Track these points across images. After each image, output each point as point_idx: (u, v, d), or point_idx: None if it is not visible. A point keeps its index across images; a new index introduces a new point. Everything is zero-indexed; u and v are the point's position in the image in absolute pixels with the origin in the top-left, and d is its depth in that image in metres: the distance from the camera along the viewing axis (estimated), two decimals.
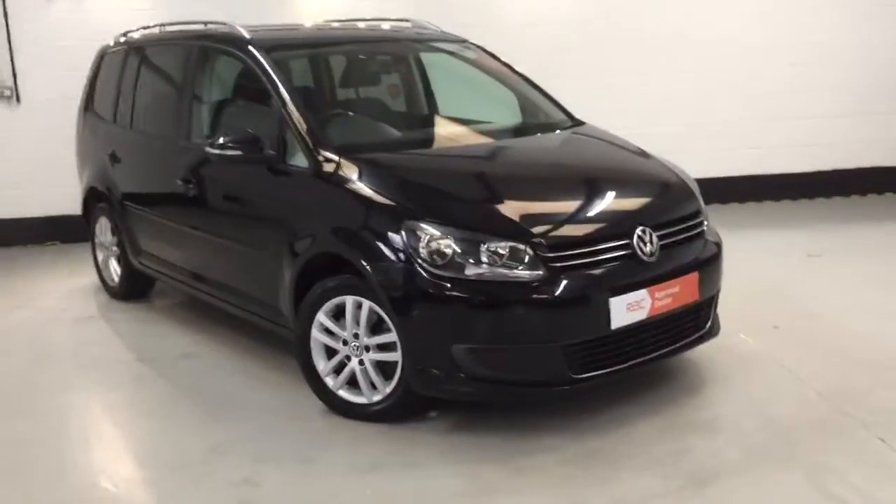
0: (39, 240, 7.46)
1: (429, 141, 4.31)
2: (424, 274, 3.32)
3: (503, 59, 4.95)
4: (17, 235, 7.39)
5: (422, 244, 3.34)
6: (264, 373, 4.26)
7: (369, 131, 4.31)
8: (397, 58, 5.16)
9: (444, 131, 4.55)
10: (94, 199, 5.74)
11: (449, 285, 3.29)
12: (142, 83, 5.29)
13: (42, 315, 5.44)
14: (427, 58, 5.17)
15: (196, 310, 5.23)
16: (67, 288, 6.03)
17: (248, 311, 4.39)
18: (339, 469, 3.33)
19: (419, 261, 3.34)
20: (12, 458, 3.54)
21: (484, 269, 3.30)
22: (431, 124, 4.86)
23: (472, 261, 3.31)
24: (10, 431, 3.78)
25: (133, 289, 5.64)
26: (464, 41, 5.03)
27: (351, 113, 4.66)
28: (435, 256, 3.33)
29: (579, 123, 4.60)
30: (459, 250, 3.32)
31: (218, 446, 3.54)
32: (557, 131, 4.48)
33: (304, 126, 3.92)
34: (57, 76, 7.11)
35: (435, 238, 3.34)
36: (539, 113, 4.69)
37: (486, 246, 3.32)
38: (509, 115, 4.73)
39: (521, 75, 4.85)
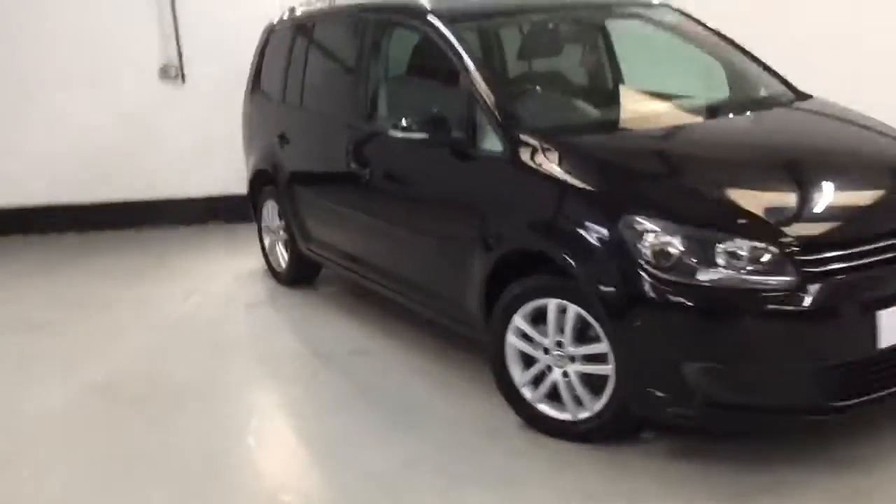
0: (202, 219, 7.43)
1: (633, 120, 3.81)
2: (647, 277, 2.85)
3: (710, 23, 4.37)
4: (182, 215, 7.38)
5: (645, 242, 2.88)
6: (447, 376, 3.91)
7: (566, 110, 3.85)
8: (587, 25, 4.66)
9: (646, 109, 4.03)
10: (261, 181, 5.55)
11: (678, 292, 2.81)
12: (312, 61, 5.03)
13: (214, 299, 5.32)
14: (618, 25, 4.65)
15: (364, 299, 4.96)
16: (234, 271, 5.91)
17: (426, 306, 4.06)
18: (549, 496, 2.93)
19: (641, 262, 2.87)
20: (193, 462, 3.34)
21: (720, 273, 2.80)
22: (629, 101, 4.35)
23: (704, 263, 2.82)
24: (193, 431, 3.60)
25: (300, 275, 5.43)
26: (663, 4, 4.48)
27: (539, 89, 4.22)
28: (660, 257, 2.85)
29: (805, 97, 3.98)
30: (688, 250, 2.83)
31: (412, 458, 3.22)
32: (779, 107, 3.89)
33: (498, 105, 3.51)
34: (221, 56, 6.99)
35: (660, 235, 2.86)
36: (754, 86, 4.10)
37: (722, 246, 2.81)
38: (717, 89, 4.17)
39: (732, 42, 4.26)
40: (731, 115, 3.85)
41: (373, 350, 4.29)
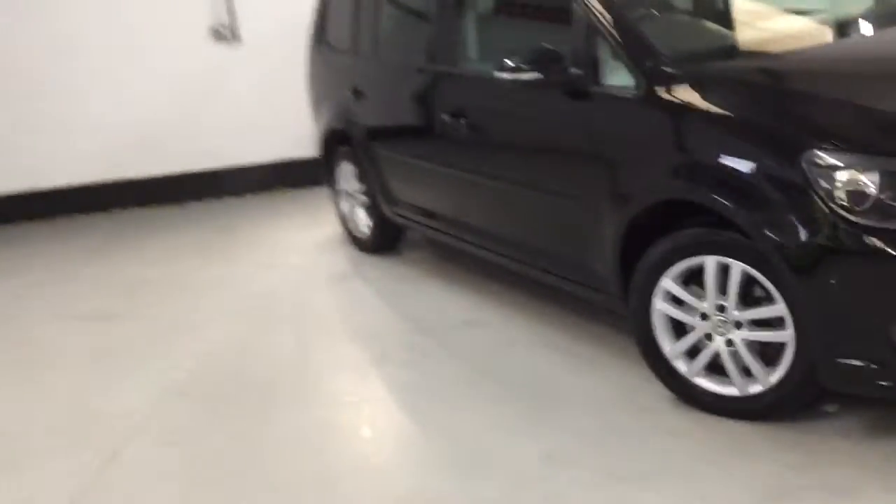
0: (268, 187, 7.04)
1: (777, 41, 3.25)
2: (843, 224, 2.35)
3: None
4: (247, 183, 7.01)
5: (837, 182, 2.36)
6: (578, 349, 3.45)
7: (699, 34, 3.31)
8: None
9: (787, 28, 3.46)
10: (334, 141, 5.10)
11: (887, 239, 2.30)
12: (386, 4, 4.54)
13: (296, 274, 4.92)
14: None
15: (461, 264, 4.52)
16: (311, 241, 5.51)
17: (543, 270, 3.59)
18: (731, 493, 2.48)
19: (833, 206, 2.36)
20: (302, 469, 2.94)
21: None
22: (762, 20, 3.76)
23: None
24: (296, 430, 3.20)
25: (385, 241, 5.02)
26: None
27: (657, 13, 3.66)
28: (857, 198, 2.34)
29: None
30: (892, 187, 2.32)
31: (556, 452, 2.78)
32: None
33: (624, 34, 3.01)
34: (277, 9, 6.53)
35: (856, 171, 2.35)
36: None
37: None
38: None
39: None
40: (883, 29, 3.28)
41: (485, 322, 3.85)
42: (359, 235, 5.13)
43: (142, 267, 5.39)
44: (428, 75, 4.08)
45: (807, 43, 3.18)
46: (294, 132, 6.76)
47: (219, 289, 4.82)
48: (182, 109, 6.76)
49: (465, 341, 3.71)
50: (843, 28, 3.36)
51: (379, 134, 4.58)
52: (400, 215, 4.63)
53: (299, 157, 6.88)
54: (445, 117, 3.83)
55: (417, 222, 4.50)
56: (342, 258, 5.09)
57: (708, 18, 3.58)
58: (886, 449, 2.55)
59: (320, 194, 6.38)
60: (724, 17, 3.59)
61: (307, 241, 5.52)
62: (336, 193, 5.29)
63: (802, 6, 3.59)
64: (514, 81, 3.19)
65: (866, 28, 3.34)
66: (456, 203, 4.09)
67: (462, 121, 3.73)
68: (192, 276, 5.09)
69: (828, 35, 3.33)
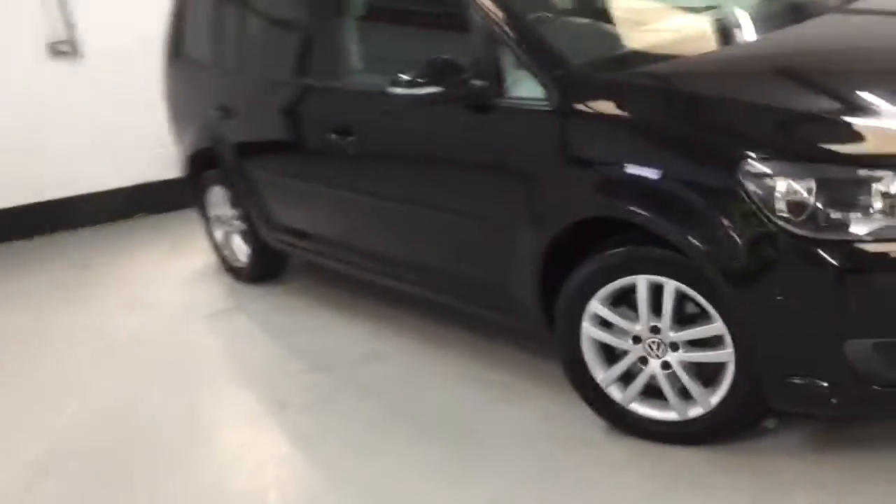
0: (126, 214, 6.48)
1: (683, 44, 3.09)
2: (786, 237, 2.21)
3: None
4: (102, 212, 6.41)
5: (777, 192, 2.23)
6: (493, 376, 3.22)
7: (600, 39, 3.12)
8: None
9: (689, 29, 3.32)
10: (201, 165, 4.68)
11: (832, 251, 2.19)
12: (252, 13, 4.17)
13: (169, 312, 4.46)
14: None
15: (352, 291, 4.20)
16: (182, 272, 5.05)
17: (450, 294, 3.35)
18: None
19: (770, 216, 2.23)
20: None
21: (880, 222, 2.19)
22: (658, 19, 3.62)
23: (856, 212, 2.20)
24: (192, 498, 2.82)
25: (266, 269, 4.64)
26: None
27: (551, 16, 3.47)
28: (799, 209, 2.22)
29: None
30: (834, 197, 2.21)
31: (495, 500, 2.55)
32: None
33: (530, 41, 2.80)
34: (122, 21, 5.99)
35: (797, 181, 2.22)
36: None
37: (877, 186, 2.20)
38: None
39: None
40: (784, 26, 3.20)
41: (387, 353, 3.57)
42: (236, 265, 4.73)
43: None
44: (306, 90, 3.75)
45: (713, 44, 3.08)
46: (151, 152, 6.24)
47: (83, 337, 4.30)
48: (23, 135, 6.09)
49: (369, 378, 3.41)
50: (739, 27, 3.28)
51: (253, 155, 4.21)
52: (282, 241, 4.27)
53: (158, 179, 6.36)
54: (330, 135, 3.51)
55: (302, 248, 4.16)
56: (220, 291, 4.67)
57: (605, 21, 3.42)
58: (836, 463, 2.46)
59: (185, 218, 5.92)
60: (621, 19, 3.45)
61: (178, 274, 5.06)
62: (207, 220, 4.86)
63: (695, 4, 3.49)
64: (411, 97, 2.93)
65: (761, 26, 3.26)
66: (346, 226, 3.79)
67: (350, 139, 3.43)
68: (50, 324, 4.54)
69: (731, 35, 3.23)
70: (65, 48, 6.06)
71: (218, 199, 4.65)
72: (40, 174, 6.17)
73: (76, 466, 3.11)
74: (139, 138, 6.21)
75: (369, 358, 3.56)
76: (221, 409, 3.43)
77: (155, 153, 6.20)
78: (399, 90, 2.93)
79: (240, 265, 4.70)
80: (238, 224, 4.58)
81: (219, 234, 4.81)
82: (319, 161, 3.73)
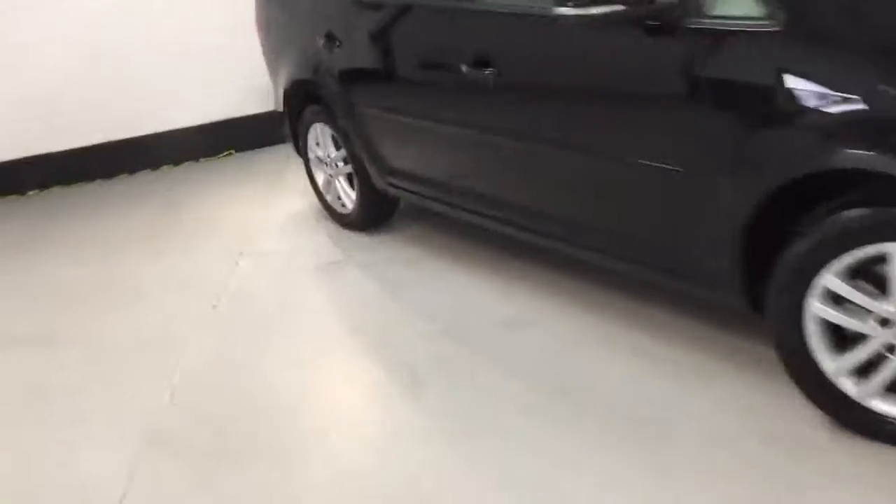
0: (210, 152, 6.09)
1: None
2: None
3: None
4: (184, 149, 6.03)
5: None
6: (669, 351, 2.73)
7: None
8: None
9: None
10: (301, 100, 4.22)
11: None
12: None
13: (272, 264, 4.06)
14: None
15: (475, 241, 3.74)
16: (279, 217, 4.64)
17: (612, 255, 2.85)
18: None
19: None
20: None
21: None
22: None
23: None
24: (318, 491, 2.44)
25: (375, 216, 4.20)
26: None
27: None
28: None
29: None
30: None
31: None
32: None
33: None
34: None
35: None
36: None
37: None
38: None
39: None
40: None
41: (531, 319, 3.10)
42: (341, 210, 4.29)
43: (74, 266, 4.45)
44: (433, 14, 3.23)
45: None
46: (237, 86, 5.83)
47: (177, 290, 3.94)
48: (96, 68, 5.70)
49: (512, 349, 2.96)
50: None
51: (366, 90, 3.71)
52: (397, 187, 3.81)
53: (246, 114, 5.95)
54: (467, 68, 2.99)
55: (421, 195, 3.70)
56: (324, 239, 4.25)
57: None
58: None
59: (276, 157, 5.54)
60: None
61: (275, 219, 4.65)
62: (306, 161, 4.42)
63: None
64: (583, 17, 2.38)
65: None
66: (479, 172, 3.29)
67: (488, 70, 2.91)
68: (139, 275, 4.18)
69: None
70: None
71: (320, 138, 4.20)
72: (121, 110, 5.80)
73: (183, 443, 2.76)
74: (226, 71, 5.79)
75: (509, 324, 3.10)
76: (343, 381, 3.03)
77: (242, 86, 5.80)
78: (569, 10, 2.39)
79: (345, 211, 4.26)
80: (343, 167, 4.13)
81: (320, 177, 4.37)
82: (447, 97, 3.23)
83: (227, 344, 3.36)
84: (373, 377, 2.99)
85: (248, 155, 5.94)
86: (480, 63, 2.94)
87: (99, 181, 5.91)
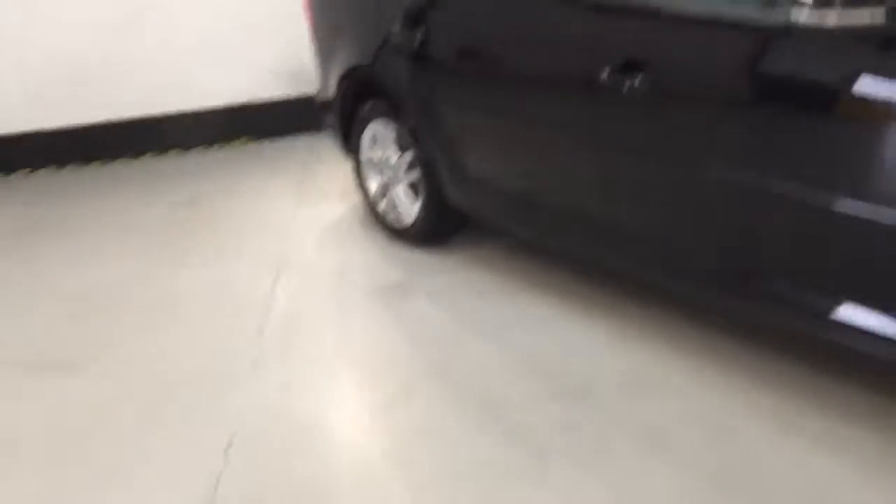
0: (224, 138, 5.50)
1: None
2: None
3: None
4: (202, 133, 5.44)
5: None
6: (842, 431, 2.26)
7: None
8: None
9: None
10: (358, 92, 3.67)
11: None
12: None
13: (319, 282, 3.50)
14: None
15: (557, 269, 3.24)
16: (320, 222, 4.08)
17: (778, 307, 2.36)
18: None
19: None
20: None
21: None
22: None
23: None
24: None
25: (438, 231, 3.67)
26: None
27: None
28: None
29: None
30: None
31: None
32: None
33: None
34: None
35: None
36: None
37: None
38: None
39: None
40: None
41: (660, 379, 2.59)
42: (396, 222, 3.75)
43: (92, 266, 3.84)
44: (564, 5, 2.69)
45: None
46: (258, 67, 5.27)
47: (213, 309, 3.36)
48: (109, 40, 5.07)
49: (644, 415, 2.45)
50: None
51: (454, 86, 3.16)
52: (480, 205, 3.28)
53: (268, 99, 5.38)
54: (606, 73, 2.47)
55: (507, 215, 3.17)
56: (377, 254, 3.70)
57: None
58: None
59: (297, 148, 5.00)
60: None
61: (313, 224, 4.09)
62: (358, 163, 3.87)
63: None
64: (830, 30, 1.87)
65: None
66: (600, 196, 2.75)
67: (638, 78, 2.39)
68: (166, 284, 3.60)
69: None
70: None
71: (379, 138, 3.65)
72: (131, 86, 5.18)
73: (253, 477, 2.23)
74: (245, 50, 5.21)
75: (634, 383, 2.59)
76: (436, 444, 2.48)
77: (263, 67, 5.24)
78: (810, 19, 1.88)
79: (402, 223, 3.72)
80: (406, 173, 3.59)
81: (373, 183, 3.82)
82: (569, 102, 2.69)
83: (284, 386, 2.80)
84: (475, 440, 2.46)
85: (267, 144, 5.36)
86: (630, 68, 2.42)
87: (97, 164, 5.29)
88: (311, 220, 4.12)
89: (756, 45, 2.14)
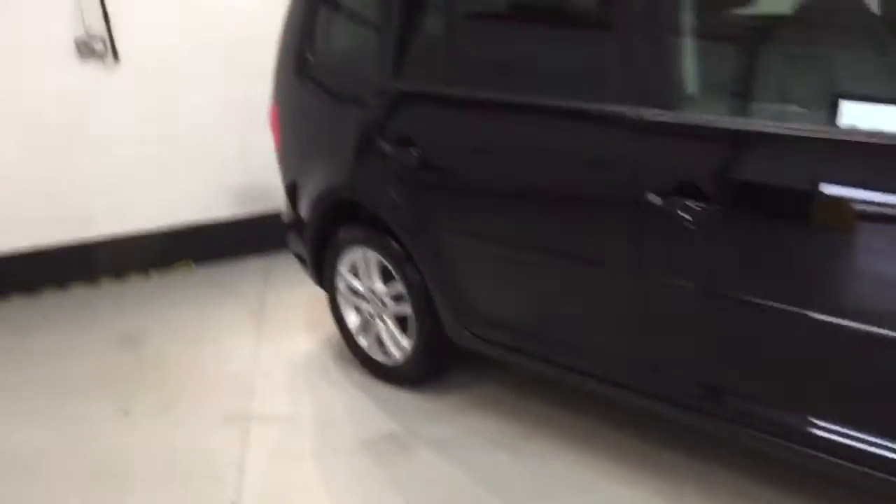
0: (164, 264, 4.97)
1: None
2: None
3: None
4: (130, 260, 4.90)
5: None
6: None
7: None
8: None
9: None
10: (335, 216, 3.27)
11: None
12: None
13: (298, 437, 3.02)
14: None
15: (574, 408, 2.85)
16: (286, 360, 3.60)
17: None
18: None
19: None
20: None
21: None
22: None
23: None
24: None
25: (433, 369, 3.24)
26: None
27: None
28: None
29: None
30: None
31: None
32: None
33: None
34: (173, 12, 4.57)
35: None
36: None
37: None
38: None
39: None
40: None
41: None
42: (382, 359, 3.31)
43: (21, 425, 3.25)
44: (595, 125, 2.37)
45: None
46: (201, 186, 4.83)
47: (165, 481, 2.82)
48: (38, 156, 4.57)
49: None
50: None
51: (458, 212, 2.79)
52: (483, 337, 2.88)
53: (212, 220, 4.92)
54: (653, 197, 2.16)
55: (524, 353, 2.78)
56: (362, 398, 3.24)
57: None
58: None
59: (247, 271, 4.57)
60: None
61: (283, 362, 3.61)
62: (333, 292, 3.43)
63: None
64: None
65: None
66: (651, 333, 2.39)
67: (700, 205, 2.08)
68: (110, 450, 3.04)
69: None
70: (98, 47, 4.53)
71: (361, 267, 3.25)
72: (58, 210, 4.66)
73: None
74: (191, 167, 4.78)
75: None
76: None
77: (204, 188, 4.81)
78: None
79: (389, 361, 3.28)
80: (394, 305, 3.17)
81: (352, 316, 3.39)
82: (604, 230, 2.36)
83: None
84: None
85: (215, 269, 4.86)
86: (683, 192, 2.11)
87: (17, 297, 4.69)
88: (278, 360, 3.64)
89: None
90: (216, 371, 3.60)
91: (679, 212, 2.12)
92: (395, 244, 3.03)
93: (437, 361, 3.20)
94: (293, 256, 3.60)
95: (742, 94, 2.20)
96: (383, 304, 3.21)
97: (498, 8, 2.81)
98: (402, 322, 3.20)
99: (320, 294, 3.50)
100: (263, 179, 4.77)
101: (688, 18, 2.15)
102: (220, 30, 4.58)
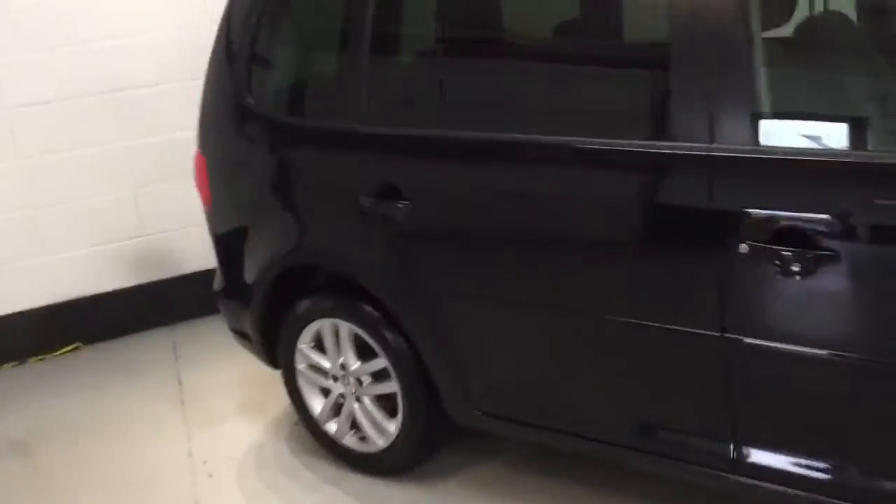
0: (46, 348, 4.24)
1: None
2: None
3: None
4: (12, 342, 4.16)
5: None
6: None
7: None
8: None
9: None
10: (294, 287, 2.78)
11: None
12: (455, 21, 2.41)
13: None
14: None
15: (576, 481, 2.52)
16: (227, 457, 3.04)
17: None
18: None
19: None
20: None
21: None
22: None
23: None
24: None
25: (422, 453, 2.80)
26: None
27: None
28: None
29: None
30: None
31: None
32: None
33: None
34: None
35: None
36: None
37: None
38: None
39: None
40: None
41: None
42: (358, 447, 2.83)
43: None
44: (615, 160, 2.04)
45: None
46: (89, 252, 4.18)
47: None
48: None
49: None
50: None
51: (460, 273, 2.37)
52: (496, 416, 2.48)
53: (102, 292, 4.25)
54: (743, 245, 1.85)
55: (553, 429, 2.40)
56: (342, 495, 2.74)
57: None
58: None
59: (148, 348, 3.98)
60: None
61: (226, 461, 3.04)
62: (291, 373, 2.92)
63: None
64: None
65: None
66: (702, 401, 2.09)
67: (789, 252, 1.79)
68: None
69: None
70: None
71: (328, 342, 2.77)
72: None
73: None
74: (74, 233, 4.12)
75: None
76: None
77: (101, 252, 4.17)
78: None
79: (368, 448, 2.81)
80: (373, 384, 2.71)
81: (317, 399, 2.89)
82: (659, 290, 2.04)
83: None
84: None
85: (107, 348, 4.18)
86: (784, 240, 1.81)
87: None
88: (220, 457, 3.06)
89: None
90: (140, 478, 2.99)
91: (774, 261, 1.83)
92: (374, 312, 2.59)
93: (433, 444, 2.76)
94: (215, 328, 3.07)
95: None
96: (360, 383, 2.75)
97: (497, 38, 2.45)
98: (383, 401, 2.75)
99: (249, 366, 2.98)
100: (162, 241, 4.21)
101: None
102: (103, 76, 3.99)
